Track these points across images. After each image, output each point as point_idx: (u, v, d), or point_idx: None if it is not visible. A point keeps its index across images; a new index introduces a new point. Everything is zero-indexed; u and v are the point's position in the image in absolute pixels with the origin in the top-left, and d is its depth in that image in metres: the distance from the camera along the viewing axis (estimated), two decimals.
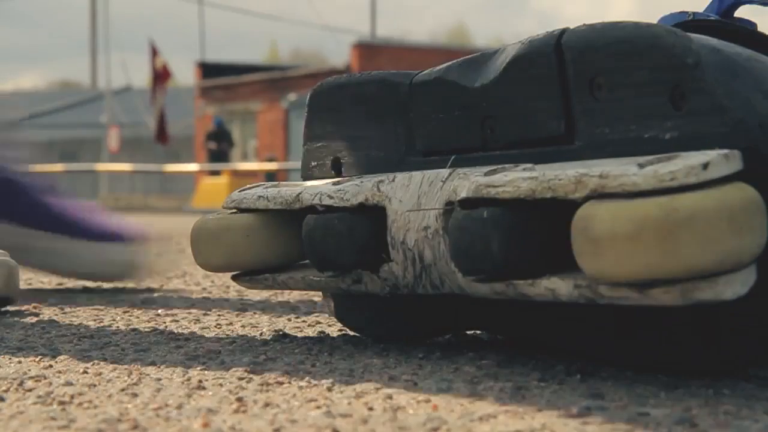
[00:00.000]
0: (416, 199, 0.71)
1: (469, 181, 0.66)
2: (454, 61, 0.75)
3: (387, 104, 0.78)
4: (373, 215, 0.73)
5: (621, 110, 0.64)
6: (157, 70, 15.48)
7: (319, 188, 0.76)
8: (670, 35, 0.61)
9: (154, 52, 15.67)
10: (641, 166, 0.57)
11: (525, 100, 0.69)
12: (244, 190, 0.84)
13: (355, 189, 0.74)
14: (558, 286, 0.61)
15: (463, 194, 0.66)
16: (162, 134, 15.48)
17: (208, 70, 18.95)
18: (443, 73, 0.74)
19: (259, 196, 0.81)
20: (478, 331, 0.86)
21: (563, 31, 0.67)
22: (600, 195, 0.58)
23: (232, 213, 0.83)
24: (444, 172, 0.70)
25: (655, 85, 0.62)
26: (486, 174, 0.66)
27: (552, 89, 0.67)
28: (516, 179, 0.63)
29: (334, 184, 0.76)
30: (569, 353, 0.72)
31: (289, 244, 0.81)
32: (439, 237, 0.69)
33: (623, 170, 0.57)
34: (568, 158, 0.66)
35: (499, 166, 0.67)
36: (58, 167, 12.93)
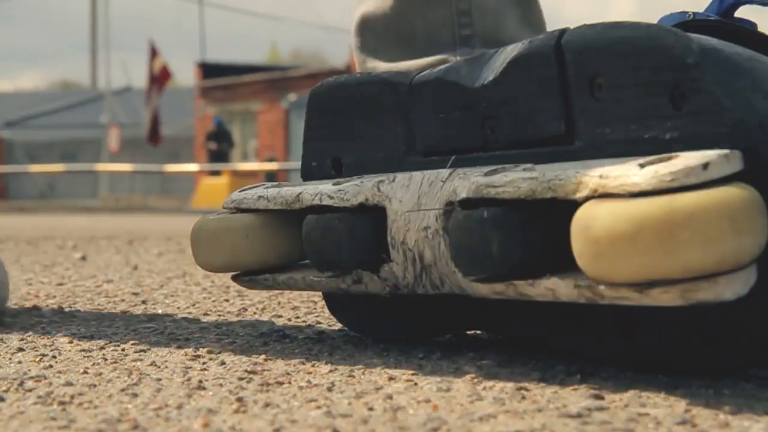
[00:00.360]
0: (416, 199, 0.71)
1: (469, 182, 0.66)
2: (455, 61, 0.75)
3: (387, 104, 0.78)
4: (373, 215, 0.73)
5: (621, 110, 0.64)
6: (154, 73, 15.45)
7: (319, 188, 0.76)
8: (670, 35, 0.61)
9: (153, 53, 15.65)
10: (641, 166, 0.57)
11: (525, 100, 0.69)
12: (244, 190, 0.84)
13: (355, 189, 0.74)
14: (558, 286, 0.61)
15: (463, 194, 0.66)
16: (154, 135, 15.46)
17: (209, 70, 18.97)
18: (443, 73, 0.74)
19: (260, 197, 0.81)
20: (478, 331, 0.86)
21: (563, 32, 0.67)
22: (600, 195, 0.58)
23: (232, 213, 0.83)
24: (444, 172, 0.70)
25: (655, 86, 0.62)
26: (486, 174, 0.66)
27: (552, 89, 0.67)
28: (516, 179, 0.63)
29: (335, 184, 0.76)
30: (569, 353, 0.72)
31: (289, 244, 0.81)
32: (440, 237, 0.69)
33: (623, 170, 0.57)
34: (569, 158, 0.66)
35: (500, 167, 0.67)
36: (58, 167, 12.93)
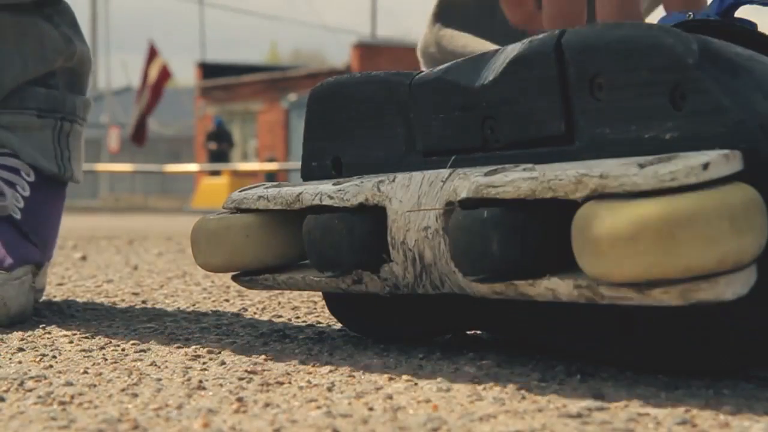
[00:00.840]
0: (416, 199, 0.71)
1: (469, 182, 0.66)
2: (455, 61, 0.75)
3: (387, 104, 0.78)
4: (373, 215, 0.73)
5: (621, 110, 0.64)
6: (149, 74, 15.46)
7: (319, 188, 0.76)
8: (670, 35, 0.61)
9: (153, 54, 15.64)
10: (641, 166, 0.57)
11: (525, 100, 0.69)
12: (244, 190, 0.84)
13: (356, 189, 0.74)
14: (558, 286, 0.61)
15: (463, 194, 0.66)
16: (138, 135, 15.44)
17: (209, 70, 18.97)
18: (443, 73, 0.74)
19: (260, 197, 0.81)
20: (479, 331, 0.87)
21: (563, 32, 0.67)
22: (600, 195, 0.58)
23: (232, 213, 0.83)
24: (444, 172, 0.70)
25: (655, 85, 0.62)
26: (486, 174, 0.66)
27: (552, 89, 0.67)
28: (516, 179, 0.62)
29: (335, 184, 0.76)
30: (569, 353, 0.72)
31: (290, 245, 0.81)
32: (439, 237, 0.69)
33: (624, 170, 0.57)
34: (569, 158, 0.66)
35: (500, 166, 0.67)
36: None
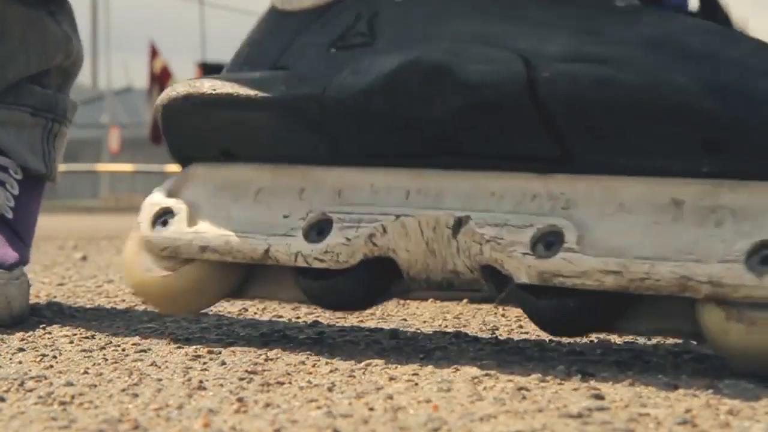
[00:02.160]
0: (425, 246, 0.72)
1: (518, 262, 0.68)
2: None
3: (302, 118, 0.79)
4: (376, 264, 0.75)
5: None
6: (155, 73, 15.43)
7: (292, 246, 0.76)
8: None
9: (153, 54, 15.63)
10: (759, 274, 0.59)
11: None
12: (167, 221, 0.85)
13: (348, 249, 0.74)
14: None
15: (523, 279, 0.68)
16: (155, 134, 15.42)
17: (209, 70, 18.90)
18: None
19: (202, 247, 0.81)
20: (478, 332, 0.87)
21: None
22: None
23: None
24: (443, 217, 0.71)
25: None
26: (539, 257, 0.67)
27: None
28: (591, 270, 0.65)
29: (311, 242, 0.76)
30: (569, 353, 0.72)
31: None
32: (470, 275, 0.72)
33: (738, 278, 0.59)
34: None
35: (543, 235, 0.69)
36: (59, 167, 12.92)
